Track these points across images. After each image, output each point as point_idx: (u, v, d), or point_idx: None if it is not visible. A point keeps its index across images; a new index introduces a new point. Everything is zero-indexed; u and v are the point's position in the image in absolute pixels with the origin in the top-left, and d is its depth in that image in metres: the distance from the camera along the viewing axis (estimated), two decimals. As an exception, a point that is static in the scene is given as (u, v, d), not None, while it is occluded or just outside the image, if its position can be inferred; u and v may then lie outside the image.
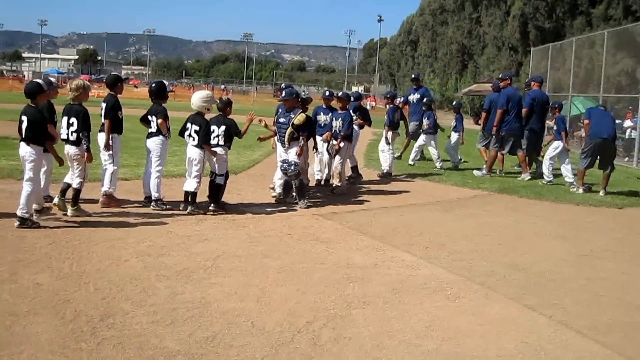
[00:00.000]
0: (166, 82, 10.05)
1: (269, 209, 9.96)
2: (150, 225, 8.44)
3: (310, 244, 8.05)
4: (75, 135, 8.43)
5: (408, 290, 6.40)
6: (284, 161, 10.20)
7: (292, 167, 10.05)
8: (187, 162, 9.52)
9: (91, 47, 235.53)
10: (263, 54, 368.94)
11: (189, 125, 9.40)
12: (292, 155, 10.23)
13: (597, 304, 6.41)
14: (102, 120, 9.21)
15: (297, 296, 6.02)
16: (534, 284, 6.95)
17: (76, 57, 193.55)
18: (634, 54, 24.91)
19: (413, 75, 18.98)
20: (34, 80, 8.86)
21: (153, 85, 9.99)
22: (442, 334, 5.29)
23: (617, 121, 24.66)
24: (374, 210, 10.53)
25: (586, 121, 13.76)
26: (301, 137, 10.23)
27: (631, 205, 12.52)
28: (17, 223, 7.78)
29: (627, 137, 24.13)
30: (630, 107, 25.03)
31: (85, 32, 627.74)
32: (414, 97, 17.47)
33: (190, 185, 9.37)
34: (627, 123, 24.73)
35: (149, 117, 9.48)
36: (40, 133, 7.96)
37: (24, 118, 7.93)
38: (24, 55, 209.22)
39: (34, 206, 8.09)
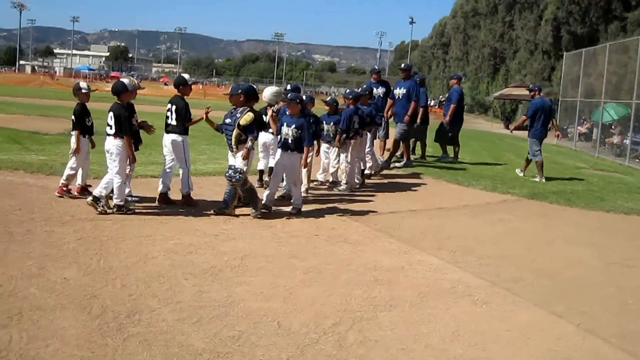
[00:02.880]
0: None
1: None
2: (178, 224, 8.48)
3: (337, 245, 8.04)
4: None
5: (435, 294, 6.37)
6: (229, 167, 9.17)
7: (238, 175, 8.95)
8: (263, 146, 11.15)
9: (122, 44, 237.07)
10: (294, 54, 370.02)
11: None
12: (238, 160, 9.12)
13: (626, 313, 6.33)
14: (173, 122, 9.41)
15: (323, 297, 6.01)
16: (562, 290, 6.88)
17: (107, 54, 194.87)
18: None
19: (403, 65, 16.43)
20: (120, 80, 9.14)
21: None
22: (468, 339, 5.26)
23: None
24: (402, 213, 10.48)
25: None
26: (249, 139, 9.13)
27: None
28: (114, 209, 8.59)
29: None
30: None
31: (116, 29, 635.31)
32: (399, 92, 15.66)
33: (266, 164, 11.23)
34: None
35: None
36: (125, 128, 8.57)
37: (111, 114, 8.54)
38: (55, 51, 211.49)
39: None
